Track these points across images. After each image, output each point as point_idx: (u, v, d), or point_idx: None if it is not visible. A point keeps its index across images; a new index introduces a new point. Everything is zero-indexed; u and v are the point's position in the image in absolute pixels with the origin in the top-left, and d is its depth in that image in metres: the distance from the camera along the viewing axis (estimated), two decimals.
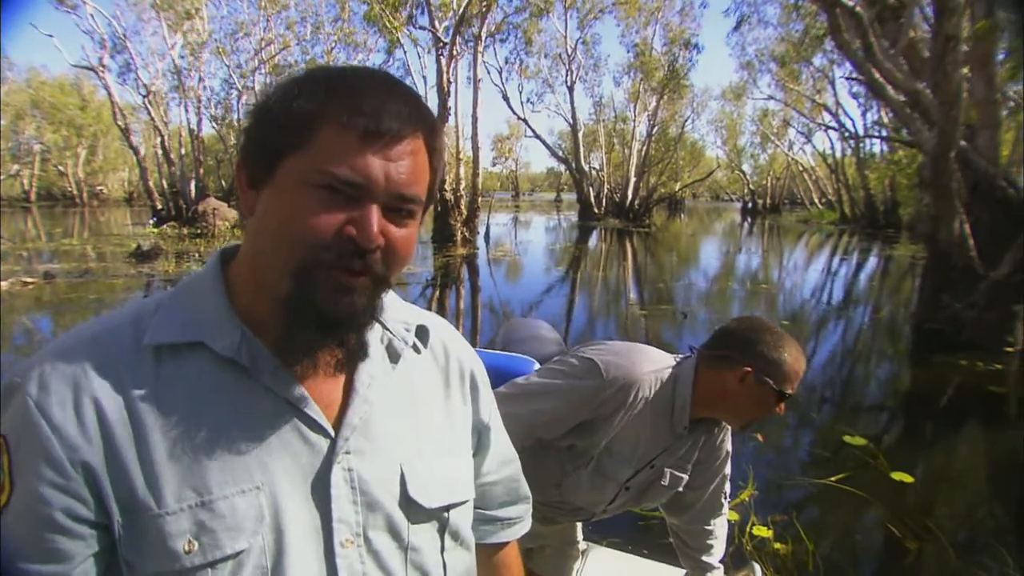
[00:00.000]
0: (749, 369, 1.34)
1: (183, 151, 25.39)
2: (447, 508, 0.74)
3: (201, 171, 25.53)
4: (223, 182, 30.83)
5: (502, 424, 0.90)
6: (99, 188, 47.48)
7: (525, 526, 0.94)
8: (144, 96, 23.45)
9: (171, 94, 25.50)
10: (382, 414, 0.71)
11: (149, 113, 23.68)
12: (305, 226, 0.59)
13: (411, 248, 0.65)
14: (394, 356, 0.74)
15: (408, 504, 0.70)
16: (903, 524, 3.15)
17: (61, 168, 43.62)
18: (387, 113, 0.59)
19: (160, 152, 24.31)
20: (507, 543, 0.93)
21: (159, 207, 23.85)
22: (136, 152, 24.07)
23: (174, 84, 24.88)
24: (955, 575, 2.82)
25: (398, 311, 0.77)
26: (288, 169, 0.60)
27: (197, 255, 13.89)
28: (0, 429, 0.59)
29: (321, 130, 0.59)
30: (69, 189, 44.50)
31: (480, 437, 0.85)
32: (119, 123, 22.87)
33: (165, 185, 24.57)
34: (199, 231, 18.94)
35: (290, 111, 0.59)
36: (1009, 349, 6.66)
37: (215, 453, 0.61)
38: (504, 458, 0.90)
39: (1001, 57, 8.14)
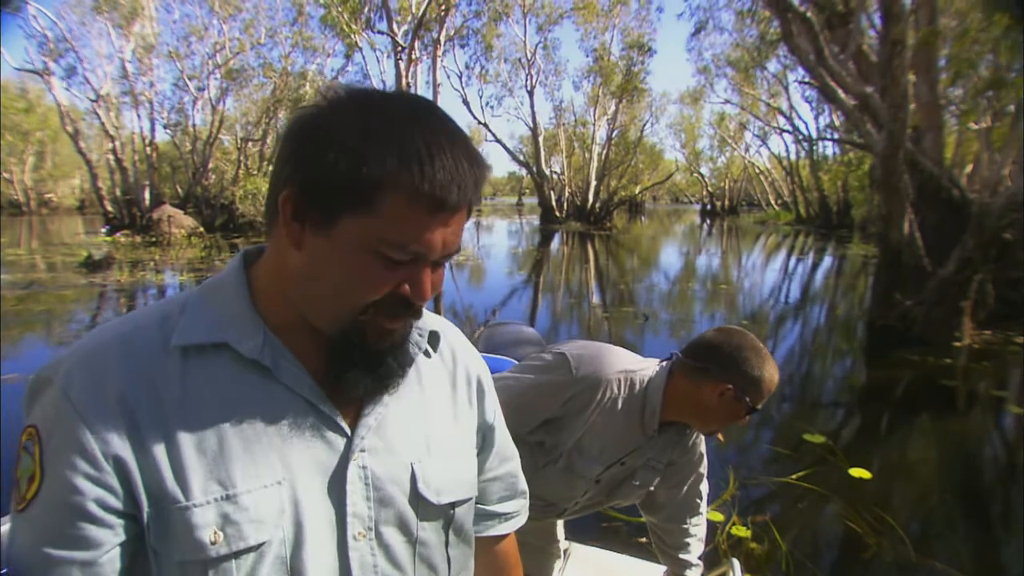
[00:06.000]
0: (731, 387, 1.35)
1: (136, 157, 24.72)
2: (453, 505, 0.78)
3: (156, 178, 24.93)
4: (179, 189, 30.12)
5: (504, 423, 0.93)
6: (48, 196, 45.86)
7: (522, 519, 0.97)
8: (94, 101, 22.80)
9: (124, 98, 24.82)
10: (395, 415, 0.74)
11: (99, 118, 23.01)
12: (365, 289, 0.62)
13: (443, 281, 0.70)
14: (408, 361, 0.76)
15: (417, 501, 0.74)
16: (862, 519, 3.23)
17: (7, 175, 42.06)
18: (456, 185, 0.60)
19: (112, 158, 23.61)
20: (506, 535, 0.96)
21: (112, 215, 23.18)
22: (86, 158, 23.34)
23: (125, 89, 24.24)
24: (913, 567, 2.90)
25: None
26: (349, 228, 0.61)
27: (152, 264, 13.53)
28: (30, 420, 0.62)
29: (389, 199, 0.59)
30: (15, 196, 42.91)
31: (484, 437, 0.88)
32: (67, 129, 22.16)
33: (118, 192, 23.87)
34: (154, 239, 18.51)
35: (357, 174, 0.58)
36: (957, 344, 6.90)
37: (239, 449, 0.64)
38: (505, 455, 0.93)
39: (942, 63, 8.44)
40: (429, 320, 0.80)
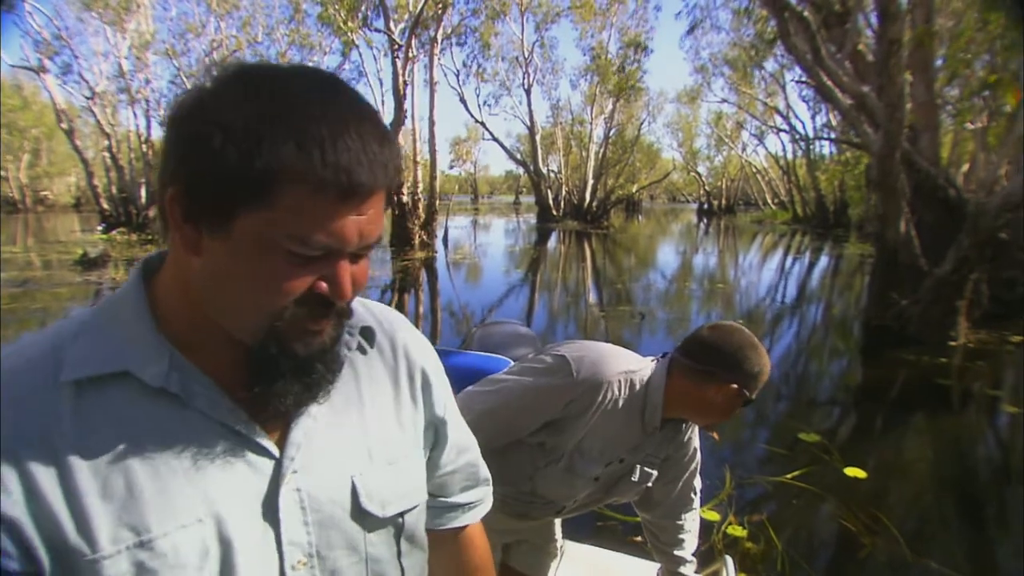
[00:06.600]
0: (735, 386, 1.37)
1: (133, 155, 24.61)
2: (402, 514, 0.73)
3: (152, 175, 24.82)
4: None
5: (459, 413, 0.88)
6: (44, 193, 45.74)
7: (486, 507, 0.93)
8: (89, 98, 22.70)
9: (120, 96, 24.69)
10: (328, 425, 0.67)
11: (95, 116, 22.93)
12: (276, 292, 0.55)
13: (367, 275, 0.63)
14: (338, 365, 0.68)
15: (362, 516, 0.68)
16: (857, 519, 3.23)
17: (2, 172, 41.87)
18: (364, 168, 0.53)
19: (108, 156, 23.52)
20: (471, 525, 0.92)
21: (108, 213, 23.10)
22: (82, 156, 23.24)
23: (122, 86, 24.14)
24: (907, 566, 2.90)
25: None
26: (248, 226, 0.53)
27: None
28: None
29: (288, 189, 0.52)
30: (11, 194, 42.71)
31: (437, 432, 0.82)
32: (63, 126, 22.06)
33: (114, 190, 23.79)
34: (150, 237, 18.47)
35: (250, 165, 0.51)
36: (952, 343, 6.91)
37: (151, 489, 0.56)
38: (462, 447, 0.87)
39: (939, 63, 8.46)
40: (362, 314, 0.75)
